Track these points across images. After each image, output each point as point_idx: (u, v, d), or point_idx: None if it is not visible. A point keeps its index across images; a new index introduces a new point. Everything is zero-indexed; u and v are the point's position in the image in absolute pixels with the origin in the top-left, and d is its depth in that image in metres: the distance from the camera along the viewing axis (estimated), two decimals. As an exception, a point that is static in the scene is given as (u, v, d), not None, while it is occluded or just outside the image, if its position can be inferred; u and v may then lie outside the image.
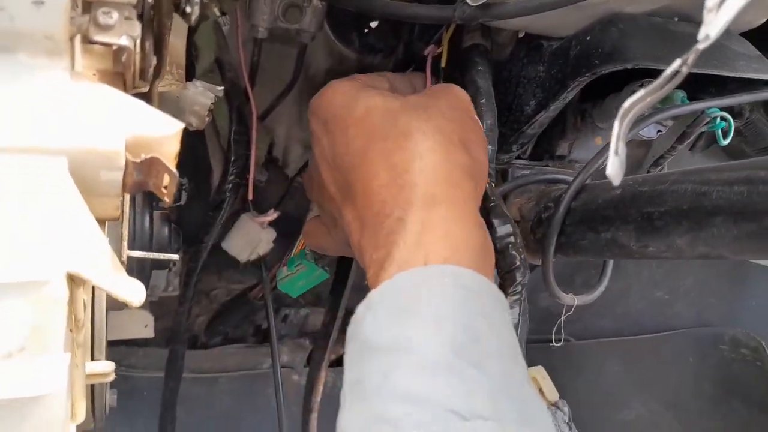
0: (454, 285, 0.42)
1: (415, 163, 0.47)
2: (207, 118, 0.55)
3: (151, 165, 0.32)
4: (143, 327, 0.70)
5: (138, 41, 0.31)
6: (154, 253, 0.41)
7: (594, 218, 0.52)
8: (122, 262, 0.42)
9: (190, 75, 0.54)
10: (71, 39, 0.30)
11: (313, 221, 0.66)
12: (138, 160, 0.31)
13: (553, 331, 0.76)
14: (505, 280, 0.50)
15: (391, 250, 0.45)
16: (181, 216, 0.69)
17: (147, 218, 0.55)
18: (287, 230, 0.72)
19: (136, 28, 0.30)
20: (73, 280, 0.31)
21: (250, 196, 0.67)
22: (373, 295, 0.43)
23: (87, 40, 0.32)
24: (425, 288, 0.42)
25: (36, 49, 0.29)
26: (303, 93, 0.71)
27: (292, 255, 0.72)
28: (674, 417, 1.13)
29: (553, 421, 0.48)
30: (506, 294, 0.50)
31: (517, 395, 0.39)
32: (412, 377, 0.38)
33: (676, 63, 0.28)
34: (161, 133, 0.31)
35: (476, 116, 0.55)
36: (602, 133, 0.67)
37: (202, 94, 0.53)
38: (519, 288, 0.49)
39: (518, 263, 0.50)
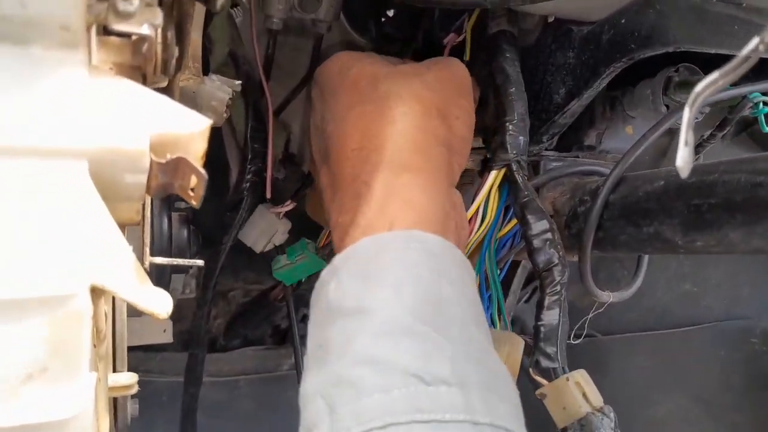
0: (419, 250, 0.42)
1: (386, 128, 0.47)
2: (225, 114, 0.53)
3: (177, 166, 0.29)
4: (161, 332, 0.68)
5: (159, 30, 0.29)
6: (179, 260, 0.39)
7: (635, 211, 0.49)
8: (145, 269, 0.39)
9: (205, 69, 0.52)
10: (88, 29, 0.28)
11: (310, 190, 0.68)
12: (163, 161, 0.29)
13: (575, 327, 0.73)
14: (543, 279, 0.48)
15: (355, 214, 0.44)
16: (196, 217, 0.66)
17: (165, 221, 0.53)
18: (303, 225, 0.71)
19: (158, 15, 0.28)
20: (95, 292, 0.29)
21: (268, 195, 0.65)
22: (337, 260, 0.43)
23: (104, 31, 0.29)
24: (389, 253, 0.41)
25: (50, 41, 0.26)
26: (318, 86, 0.69)
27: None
28: (704, 412, 1.10)
29: (599, 426, 0.46)
30: (545, 294, 0.47)
31: (481, 361, 0.39)
32: (374, 341, 0.38)
33: (754, 41, 0.26)
34: (188, 130, 0.29)
35: (470, 95, 0.53)
36: (633, 122, 0.64)
37: (220, 89, 0.51)
38: (558, 288, 0.47)
39: (557, 261, 0.48)
